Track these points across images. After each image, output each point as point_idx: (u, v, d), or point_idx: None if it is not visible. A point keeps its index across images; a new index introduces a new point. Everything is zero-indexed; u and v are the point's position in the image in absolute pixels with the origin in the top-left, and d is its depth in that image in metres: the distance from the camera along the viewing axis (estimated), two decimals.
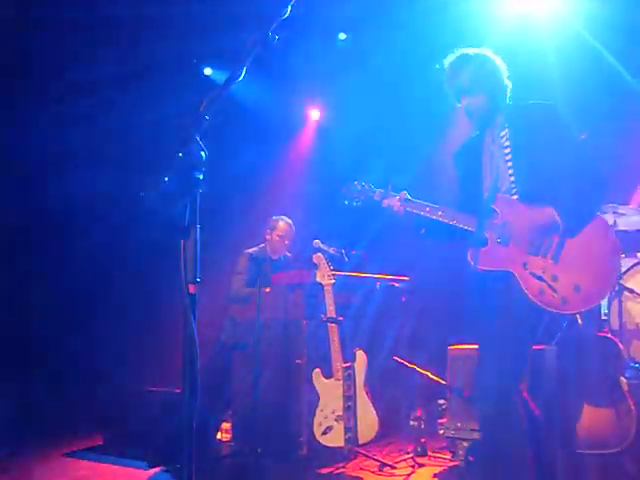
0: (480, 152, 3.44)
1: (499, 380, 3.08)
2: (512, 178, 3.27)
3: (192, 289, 1.86)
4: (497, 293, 3.23)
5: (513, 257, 3.18)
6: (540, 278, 3.11)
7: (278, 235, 5.88)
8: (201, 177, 1.83)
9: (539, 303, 3.08)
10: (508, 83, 3.42)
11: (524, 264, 3.15)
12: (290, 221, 5.96)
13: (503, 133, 3.34)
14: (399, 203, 3.47)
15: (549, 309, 3.08)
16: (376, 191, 3.64)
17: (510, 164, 3.29)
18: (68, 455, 5.04)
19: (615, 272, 3.24)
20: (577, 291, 3.06)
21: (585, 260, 3.10)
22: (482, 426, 3.36)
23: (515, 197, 3.25)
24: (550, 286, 3.09)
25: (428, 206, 3.42)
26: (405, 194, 3.50)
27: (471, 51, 3.41)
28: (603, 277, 3.11)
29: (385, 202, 3.56)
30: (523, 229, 3.19)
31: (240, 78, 1.90)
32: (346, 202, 3.73)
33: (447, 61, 3.42)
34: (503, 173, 3.32)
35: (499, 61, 3.41)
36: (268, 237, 5.92)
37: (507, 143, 3.32)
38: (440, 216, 3.36)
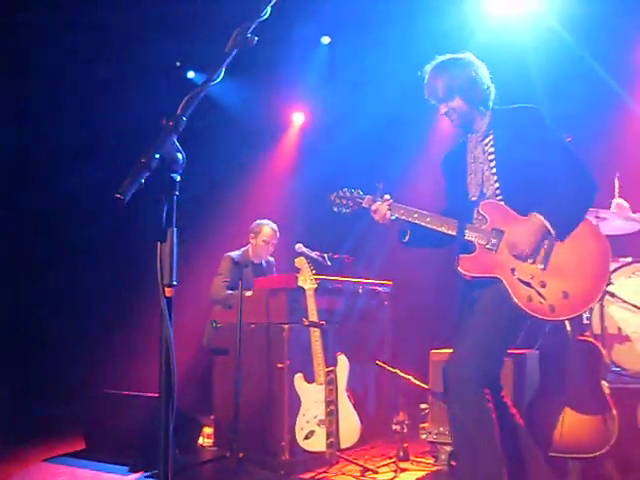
0: (465, 158, 3.41)
1: (470, 375, 3.02)
2: (497, 184, 3.24)
3: (169, 292, 1.83)
4: (484, 299, 3.19)
5: (501, 263, 3.15)
6: (528, 284, 3.08)
7: (263, 240, 5.89)
8: (178, 179, 1.81)
9: (527, 310, 3.06)
10: (490, 86, 3.35)
11: (512, 269, 3.12)
12: (275, 226, 5.96)
13: (487, 140, 3.30)
14: (387, 208, 3.37)
15: (537, 316, 3.06)
16: (365, 197, 3.51)
17: (495, 170, 3.25)
18: (48, 460, 4.98)
19: (604, 277, 3.19)
20: (565, 298, 3.04)
21: (574, 266, 3.08)
22: (451, 426, 3.32)
23: (502, 203, 3.22)
24: (538, 293, 3.06)
25: (416, 212, 3.34)
26: (389, 199, 3.42)
27: (447, 57, 3.36)
28: (591, 283, 3.09)
29: (373, 208, 3.44)
30: (512, 235, 3.15)
31: (218, 80, 1.88)
32: (335, 210, 3.59)
33: (425, 70, 3.37)
34: (487, 179, 3.28)
35: (479, 64, 3.35)
36: (252, 241, 5.92)
37: (491, 149, 3.28)
38: (429, 222, 3.30)
